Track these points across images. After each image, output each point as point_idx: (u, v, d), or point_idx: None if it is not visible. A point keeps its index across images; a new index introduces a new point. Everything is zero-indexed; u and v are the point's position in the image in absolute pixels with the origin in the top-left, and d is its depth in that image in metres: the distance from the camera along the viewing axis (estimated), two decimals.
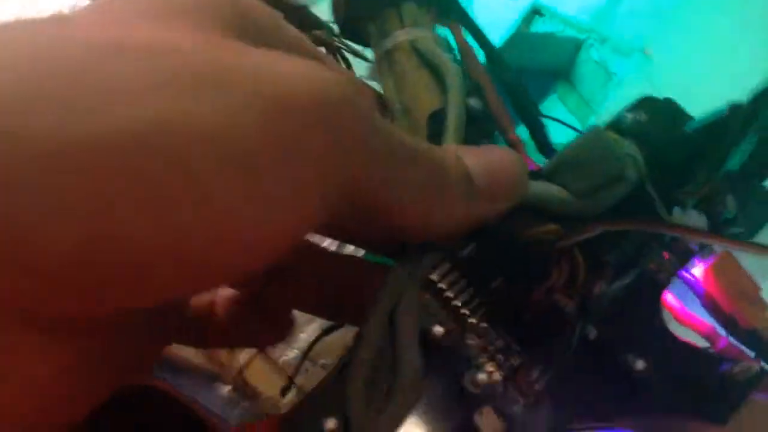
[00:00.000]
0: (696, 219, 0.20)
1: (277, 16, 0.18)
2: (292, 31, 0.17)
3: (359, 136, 0.14)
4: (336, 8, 0.24)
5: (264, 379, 0.58)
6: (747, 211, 0.24)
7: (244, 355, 0.59)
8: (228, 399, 0.59)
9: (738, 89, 0.20)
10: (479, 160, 0.18)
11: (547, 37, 0.68)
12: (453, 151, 0.18)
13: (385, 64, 0.23)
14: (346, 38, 0.24)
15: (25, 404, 0.13)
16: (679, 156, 0.20)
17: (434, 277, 0.18)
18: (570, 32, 0.72)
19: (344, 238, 0.20)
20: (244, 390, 0.58)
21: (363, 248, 0.21)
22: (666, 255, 0.20)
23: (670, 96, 0.22)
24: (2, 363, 0.12)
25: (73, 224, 0.11)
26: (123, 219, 0.11)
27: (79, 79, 0.11)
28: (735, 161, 0.20)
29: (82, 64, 0.11)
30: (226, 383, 0.59)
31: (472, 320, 0.18)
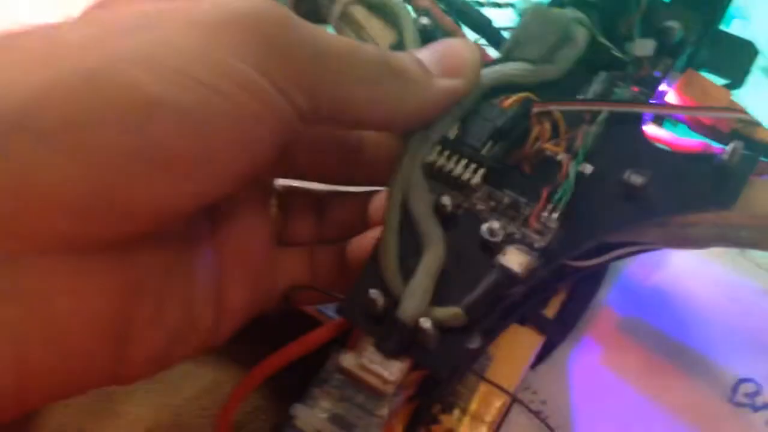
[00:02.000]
0: (644, 45, 0.22)
1: None
2: None
3: (295, 41, 0.17)
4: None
5: None
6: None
7: None
8: None
9: None
10: (429, 50, 0.21)
11: None
12: (407, 52, 0.21)
13: (342, 23, 0.26)
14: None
15: (74, 322, 0.15)
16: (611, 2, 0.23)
17: (431, 159, 0.20)
18: None
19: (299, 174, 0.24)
20: None
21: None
22: (635, 88, 0.22)
23: None
24: (46, 285, 0.15)
25: None
26: None
27: None
28: None
29: None
30: None
31: (475, 184, 0.20)
